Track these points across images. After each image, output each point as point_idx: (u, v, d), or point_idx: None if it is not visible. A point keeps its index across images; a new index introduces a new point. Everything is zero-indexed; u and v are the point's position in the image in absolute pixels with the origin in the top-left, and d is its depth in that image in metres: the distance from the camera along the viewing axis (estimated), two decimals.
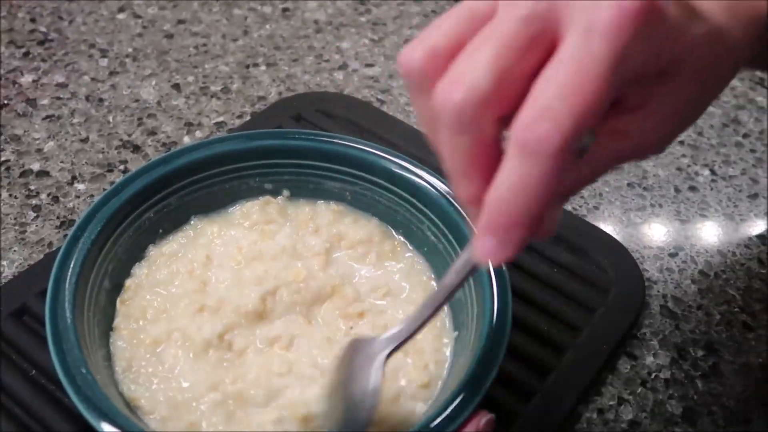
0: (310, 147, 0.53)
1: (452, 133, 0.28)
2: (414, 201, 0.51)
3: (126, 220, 0.48)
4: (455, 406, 0.39)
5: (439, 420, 0.38)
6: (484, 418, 0.39)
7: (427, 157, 0.61)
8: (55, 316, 0.41)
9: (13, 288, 0.52)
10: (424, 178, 0.51)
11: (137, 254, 0.49)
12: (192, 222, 0.52)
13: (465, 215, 0.48)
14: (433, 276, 0.51)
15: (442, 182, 0.50)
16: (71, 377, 0.39)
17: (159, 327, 0.46)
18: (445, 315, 0.48)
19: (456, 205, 0.49)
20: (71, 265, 0.44)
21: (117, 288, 0.48)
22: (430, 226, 0.50)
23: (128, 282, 0.48)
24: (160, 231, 0.51)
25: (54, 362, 0.39)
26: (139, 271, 0.49)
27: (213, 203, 0.53)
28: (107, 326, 0.46)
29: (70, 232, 0.45)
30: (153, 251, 0.50)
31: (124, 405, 0.42)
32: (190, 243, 0.51)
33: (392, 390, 0.44)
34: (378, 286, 0.49)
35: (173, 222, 0.51)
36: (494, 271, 0.44)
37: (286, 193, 0.54)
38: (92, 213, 0.47)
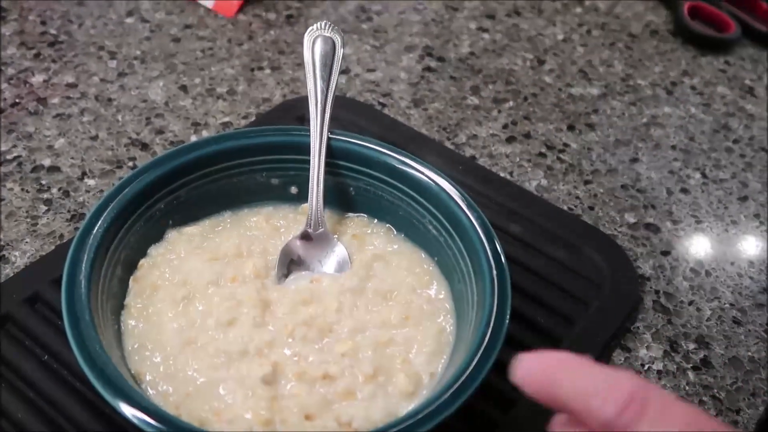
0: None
1: None
2: (416, 195, 0.53)
3: (138, 211, 0.50)
4: (454, 390, 0.40)
5: (437, 402, 0.40)
6: None
7: (426, 156, 0.63)
8: (71, 296, 0.43)
9: (26, 277, 0.53)
10: (426, 174, 0.52)
11: (152, 238, 0.51)
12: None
13: (465, 209, 0.50)
14: (432, 267, 0.52)
15: (444, 178, 0.52)
16: (91, 361, 0.40)
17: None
18: (446, 302, 0.50)
19: (457, 199, 0.51)
20: (86, 249, 0.45)
21: (130, 268, 0.50)
22: (431, 220, 0.52)
23: (142, 261, 0.50)
24: (170, 222, 0.53)
25: (72, 347, 0.41)
26: (155, 251, 0.51)
27: (221, 197, 0.55)
28: (118, 304, 0.48)
29: (86, 218, 0.47)
30: (170, 233, 0.52)
31: (133, 381, 0.43)
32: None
33: (396, 367, 0.45)
34: None
35: (182, 214, 0.53)
36: (495, 264, 0.46)
37: (293, 189, 0.56)
38: (106, 202, 0.48)
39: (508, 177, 0.65)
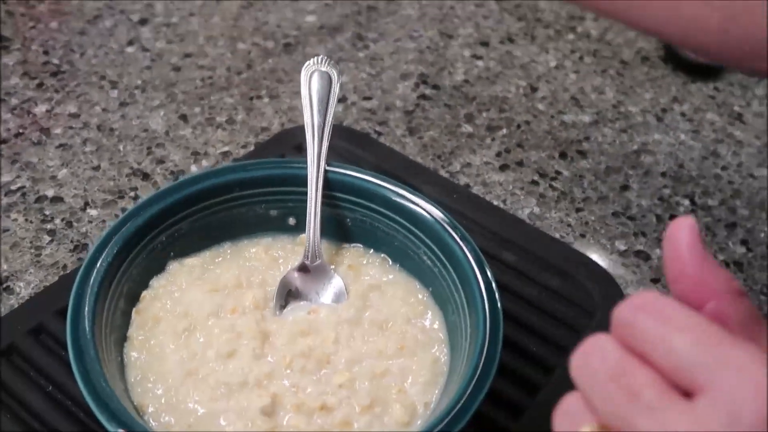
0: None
1: None
2: (413, 229, 0.54)
3: (140, 243, 0.51)
4: (447, 420, 0.42)
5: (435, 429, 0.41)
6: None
7: (421, 185, 0.65)
8: (76, 331, 0.44)
9: (30, 308, 0.55)
10: (421, 206, 0.54)
11: (154, 270, 0.53)
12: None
13: (459, 241, 0.51)
14: (427, 297, 0.54)
15: (438, 209, 0.53)
16: (96, 395, 0.41)
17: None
18: (440, 333, 0.51)
19: (451, 231, 0.52)
20: (90, 283, 0.47)
21: (132, 300, 0.51)
22: (426, 251, 0.53)
23: (144, 293, 0.51)
24: (171, 254, 0.54)
25: (78, 381, 0.42)
26: (157, 283, 0.52)
27: (221, 228, 0.56)
28: (121, 336, 0.49)
29: (89, 252, 0.48)
30: (172, 265, 0.53)
31: (136, 413, 0.45)
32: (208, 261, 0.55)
33: (392, 398, 0.47)
34: None
35: (183, 246, 0.55)
36: (488, 297, 0.48)
37: (292, 221, 0.57)
38: (109, 236, 0.50)
39: (502, 205, 0.67)
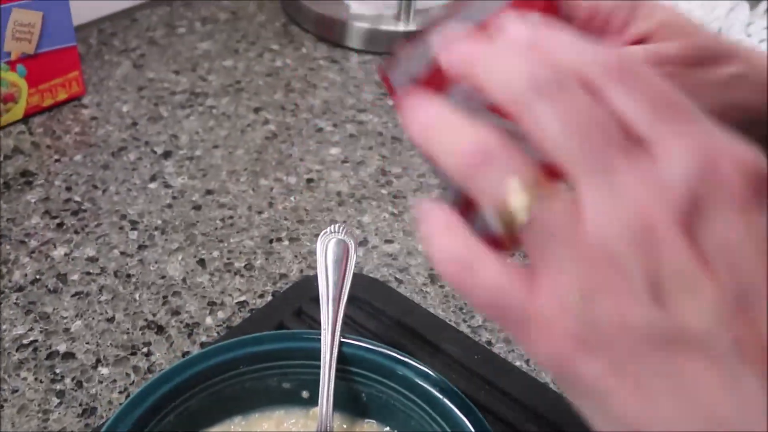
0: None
1: None
2: (429, 410, 0.52)
3: (147, 427, 0.50)
4: None
5: None
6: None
7: (442, 343, 0.63)
8: None
9: None
10: (440, 387, 0.52)
11: None
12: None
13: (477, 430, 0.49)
14: None
15: (457, 395, 0.51)
16: None
17: None
18: None
19: (469, 421, 0.50)
20: None
21: None
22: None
23: None
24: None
25: None
26: None
27: (232, 402, 0.54)
28: None
29: None
30: None
31: None
32: None
33: None
34: None
35: (192, 423, 0.53)
36: None
37: (305, 394, 0.55)
38: (116, 422, 0.48)
39: (524, 366, 0.64)
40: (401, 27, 1.05)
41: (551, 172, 0.27)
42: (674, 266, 0.25)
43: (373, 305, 0.67)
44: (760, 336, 0.25)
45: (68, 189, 0.80)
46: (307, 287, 0.69)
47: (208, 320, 0.66)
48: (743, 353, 0.24)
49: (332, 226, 0.58)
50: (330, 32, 1.06)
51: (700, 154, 0.25)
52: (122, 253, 0.73)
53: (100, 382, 0.61)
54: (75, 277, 0.70)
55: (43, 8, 0.84)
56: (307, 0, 1.08)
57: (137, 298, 0.68)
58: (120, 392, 0.60)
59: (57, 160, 0.83)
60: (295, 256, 0.73)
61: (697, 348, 0.25)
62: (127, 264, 0.71)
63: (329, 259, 0.56)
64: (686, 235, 0.25)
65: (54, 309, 0.67)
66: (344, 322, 0.56)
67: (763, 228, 0.25)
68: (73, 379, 0.61)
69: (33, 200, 0.78)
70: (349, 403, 0.55)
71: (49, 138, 0.86)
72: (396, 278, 0.72)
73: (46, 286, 0.69)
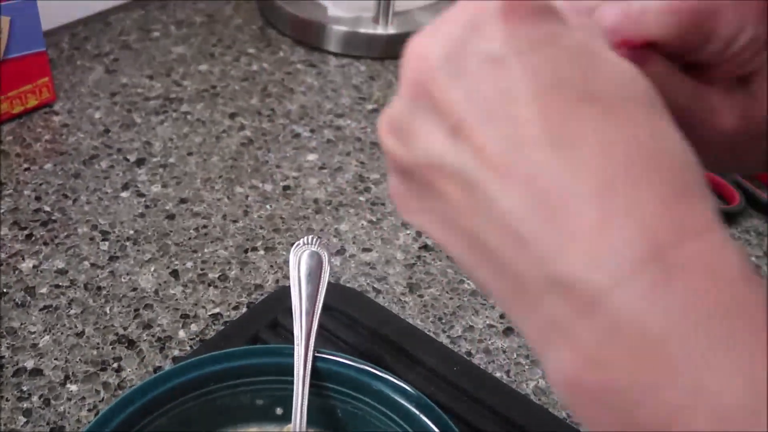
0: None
1: None
2: (406, 426, 0.51)
3: None
4: None
5: None
6: None
7: (421, 355, 0.61)
8: None
9: None
10: (417, 402, 0.51)
11: None
12: None
13: None
14: None
15: (435, 412, 0.50)
16: None
17: None
18: None
19: None
20: None
21: None
22: None
23: None
24: None
25: None
26: None
27: (203, 419, 0.53)
28: None
29: None
30: None
31: None
32: None
33: None
34: None
35: None
36: None
37: (279, 410, 0.54)
38: None
39: (505, 377, 0.63)
40: (380, 30, 1.03)
41: None
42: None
43: (350, 315, 0.66)
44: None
45: (38, 199, 0.78)
46: (283, 298, 0.67)
47: (181, 334, 0.65)
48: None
49: (306, 237, 0.56)
50: (308, 35, 1.05)
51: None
52: (93, 264, 0.71)
53: (69, 399, 0.59)
54: (44, 290, 0.68)
55: (10, 13, 0.82)
56: (284, 1, 1.06)
57: (108, 311, 0.66)
58: (89, 410, 0.59)
59: (26, 169, 0.81)
60: (271, 266, 0.72)
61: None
62: (97, 276, 0.70)
63: (302, 272, 0.55)
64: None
65: (21, 324, 0.65)
66: (320, 333, 0.55)
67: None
68: (40, 397, 0.59)
69: (1, 211, 0.76)
70: (324, 419, 0.54)
71: (18, 146, 0.84)
72: (374, 288, 0.71)
73: (14, 300, 0.67)
